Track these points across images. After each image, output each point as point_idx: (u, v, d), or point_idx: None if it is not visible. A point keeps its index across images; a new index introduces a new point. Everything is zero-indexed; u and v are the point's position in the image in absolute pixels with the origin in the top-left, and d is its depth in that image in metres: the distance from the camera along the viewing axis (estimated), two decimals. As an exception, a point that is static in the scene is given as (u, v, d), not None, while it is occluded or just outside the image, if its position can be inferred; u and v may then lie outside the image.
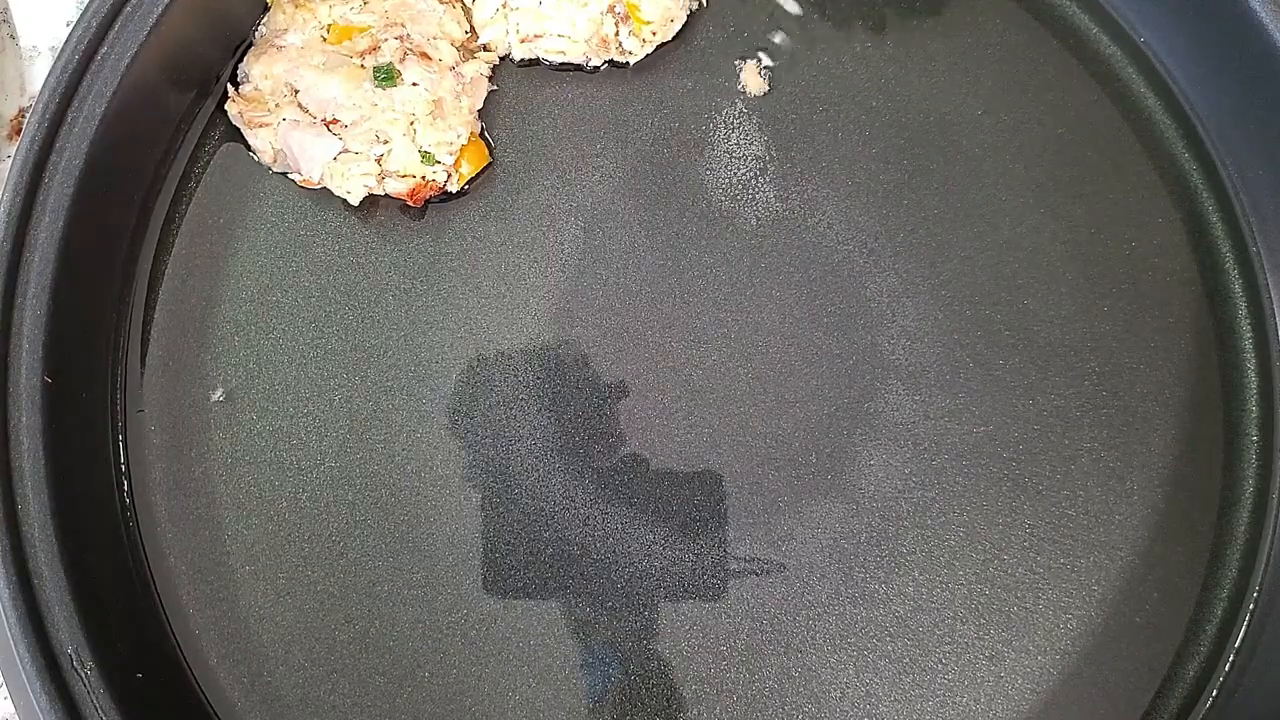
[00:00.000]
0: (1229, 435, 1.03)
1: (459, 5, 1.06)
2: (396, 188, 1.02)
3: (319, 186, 1.03)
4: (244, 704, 0.98)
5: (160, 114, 1.03)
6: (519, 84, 1.08)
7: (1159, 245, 1.06)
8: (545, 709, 0.98)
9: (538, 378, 1.03)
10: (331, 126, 1.01)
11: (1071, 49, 1.09)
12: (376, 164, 1.01)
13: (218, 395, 1.01)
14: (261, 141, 1.03)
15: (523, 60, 1.07)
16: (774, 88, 1.08)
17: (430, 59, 1.03)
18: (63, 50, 0.93)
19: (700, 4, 1.09)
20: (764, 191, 1.06)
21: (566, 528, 1.00)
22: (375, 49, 1.02)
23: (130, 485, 1.00)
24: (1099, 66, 1.09)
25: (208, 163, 1.05)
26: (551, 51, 1.06)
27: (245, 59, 1.05)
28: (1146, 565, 1.00)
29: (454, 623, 0.99)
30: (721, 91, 1.08)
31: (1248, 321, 1.05)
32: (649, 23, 1.04)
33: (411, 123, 1.01)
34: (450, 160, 1.03)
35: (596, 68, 1.07)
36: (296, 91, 1.02)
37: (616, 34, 1.05)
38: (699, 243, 1.05)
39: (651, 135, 1.07)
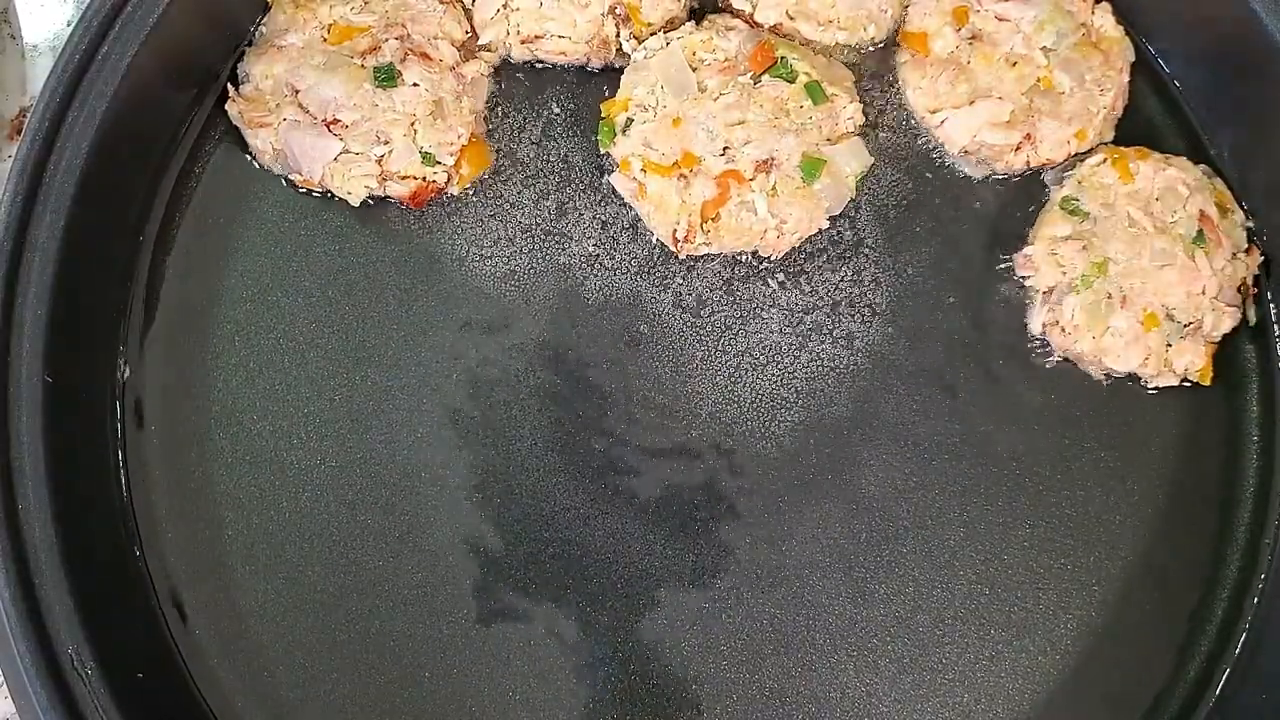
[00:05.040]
0: (1229, 435, 1.03)
1: (459, 5, 1.06)
2: (398, 190, 1.02)
3: (319, 187, 1.03)
4: (244, 704, 0.98)
5: (160, 114, 1.03)
6: (519, 84, 1.08)
7: (1159, 245, 1.06)
8: (545, 709, 0.97)
9: (538, 378, 1.02)
10: (332, 127, 1.01)
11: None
12: (377, 165, 1.01)
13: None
14: (262, 141, 1.02)
15: (523, 61, 1.07)
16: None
17: (431, 59, 1.03)
18: (63, 50, 0.93)
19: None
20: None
21: (566, 528, 1.00)
22: (376, 49, 1.02)
23: (130, 485, 1.00)
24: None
25: (208, 163, 1.05)
26: (552, 53, 1.05)
27: (245, 59, 1.05)
28: (1146, 565, 1.00)
29: (454, 622, 0.99)
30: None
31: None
32: (649, 24, 1.04)
33: (412, 123, 1.01)
34: (451, 161, 1.03)
35: (597, 69, 1.07)
36: (297, 91, 1.02)
37: (617, 35, 1.05)
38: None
39: (652, 135, 1.07)
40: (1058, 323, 1.01)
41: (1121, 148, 1.04)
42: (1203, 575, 1.01)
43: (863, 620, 0.99)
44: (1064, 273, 1.01)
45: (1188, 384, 1.02)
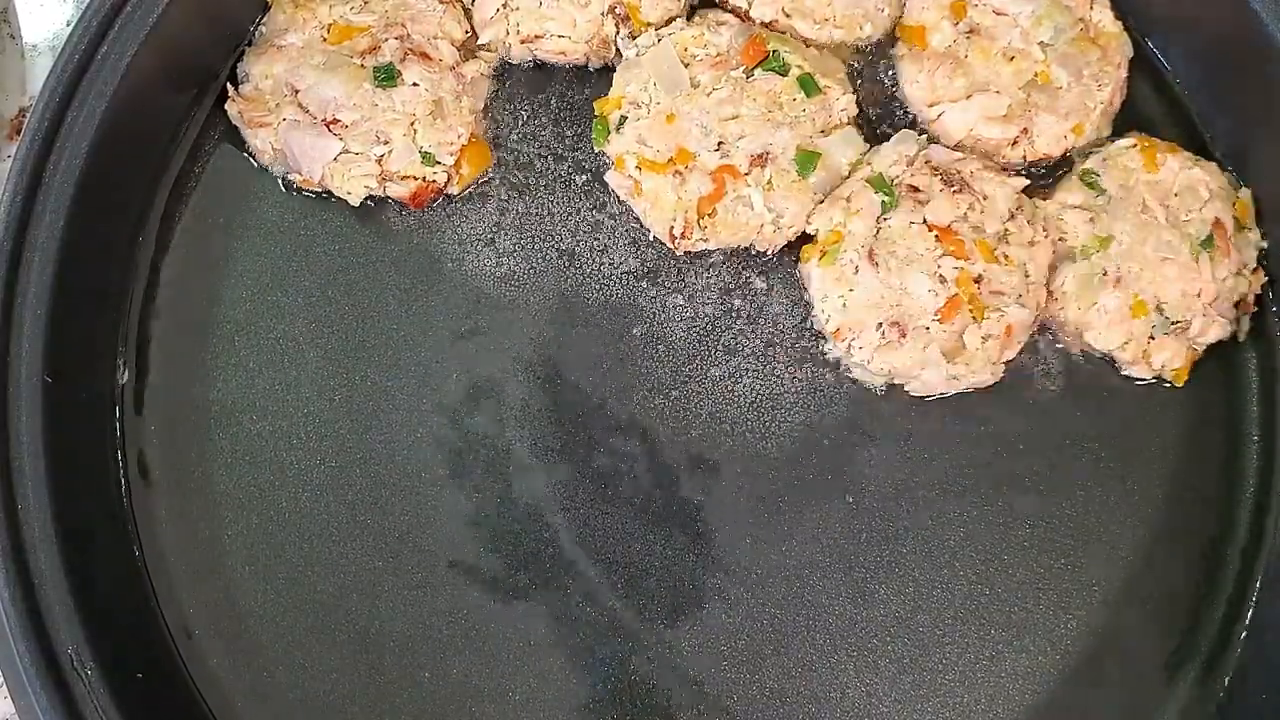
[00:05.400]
0: (1229, 435, 1.03)
1: (459, 5, 1.06)
2: (398, 190, 1.03)
3: (319, 187, 1.03)
4: (244, 704, 0.98)
5: (160, 114, 1.03)
6: (519, 84, 1.08)
7: (1160, 244, 1.05)
8: (545, 709, 0.97)
9: (538, 377, 1.02)
10: (332, 127, 1.01)
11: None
12: (377, 164, 1.01)
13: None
14: (261, 141, 1.03)
15: (523, 61, 1.07)
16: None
17: (430, 59, 1.03)
18: (63, 50, 0.93)
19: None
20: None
21: (566, 528, 1.00)
22: (375, 49, 1.02)
23: (130, 486, 1.00)
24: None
25: (207, 163, 1.05)
26: (552, 52, 1.05)
27: (245, 59, 1.05)
28: (1146, 565, 1.00)
29: (454, 623, 0.99)
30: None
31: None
32: (649, 24, 1.04)
33: (412, 123, 1.01)
34: (450, 161, 1.03)
35: (597, 69, 1.07)
36: (297, 91, 1.02)
37: (617, 35, 1.05)
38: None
39: (651, 135, 1.07)
40: (1049, 288, 1.01)
41: (1155, 139, 1.04)
42: (1203, 575, 1.01)
43: (863, 620, 0.99)
44: (1065, 239, 1.00)
45: (1165, 384, 1.02)
